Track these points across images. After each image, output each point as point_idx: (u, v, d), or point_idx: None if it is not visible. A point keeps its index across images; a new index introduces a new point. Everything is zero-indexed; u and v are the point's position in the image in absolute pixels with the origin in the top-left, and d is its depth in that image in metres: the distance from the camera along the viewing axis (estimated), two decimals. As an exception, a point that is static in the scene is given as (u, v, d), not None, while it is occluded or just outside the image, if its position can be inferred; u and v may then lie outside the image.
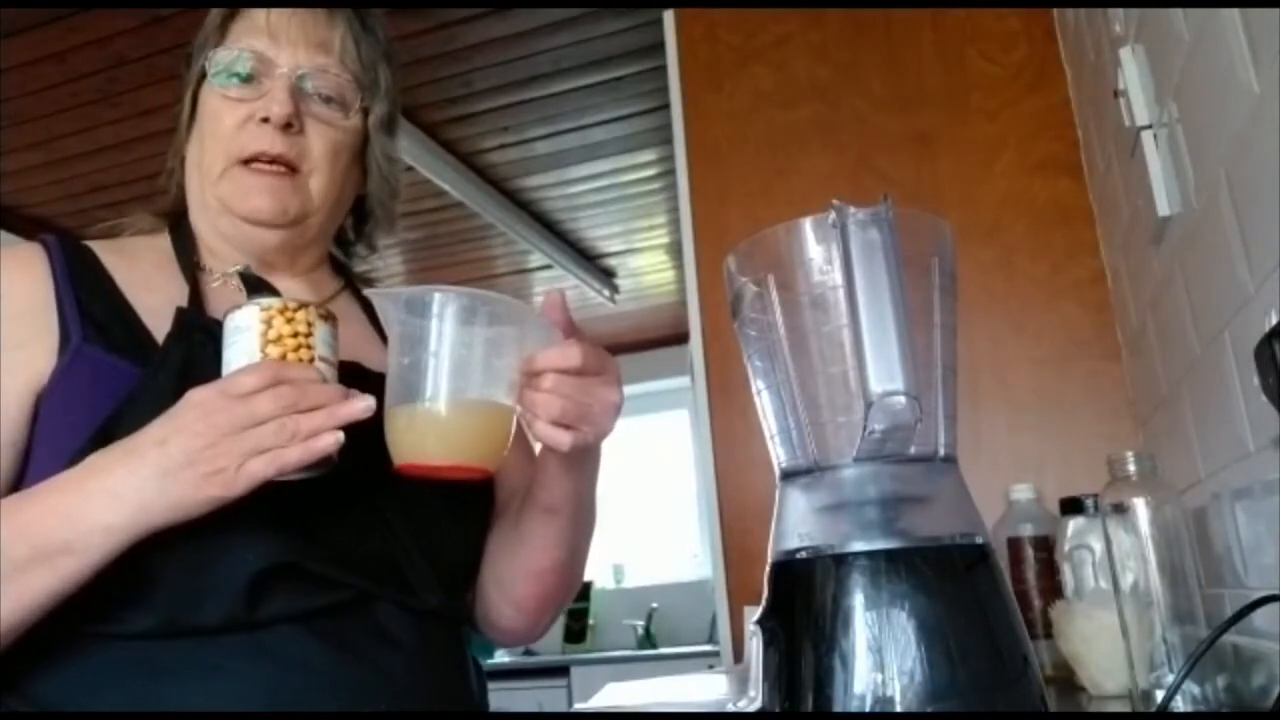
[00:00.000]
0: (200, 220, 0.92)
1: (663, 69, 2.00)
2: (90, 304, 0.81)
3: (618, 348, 5.10)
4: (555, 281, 4.28)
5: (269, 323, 0.72)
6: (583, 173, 3.35)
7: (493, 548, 0.93)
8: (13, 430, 0.77)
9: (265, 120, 0.85)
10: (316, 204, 0.89)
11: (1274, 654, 0.84)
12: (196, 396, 0.69)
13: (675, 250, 3.92)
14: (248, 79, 0.86)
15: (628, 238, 3.94)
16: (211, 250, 0.91)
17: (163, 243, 0.91)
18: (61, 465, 0.73)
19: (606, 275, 4.30)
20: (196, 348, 0.80)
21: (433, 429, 0.71)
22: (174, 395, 0.76)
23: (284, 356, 0.71)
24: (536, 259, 3.97)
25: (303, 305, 0.73)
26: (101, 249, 0.87)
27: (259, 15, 0.88)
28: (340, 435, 0.69)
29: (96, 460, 0.70)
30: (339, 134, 0.90)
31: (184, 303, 0.84)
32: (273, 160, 0.86)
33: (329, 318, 0.75)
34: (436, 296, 0.72)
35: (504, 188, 3.40)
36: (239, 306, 0.73)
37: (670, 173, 3.15)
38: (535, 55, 2.65)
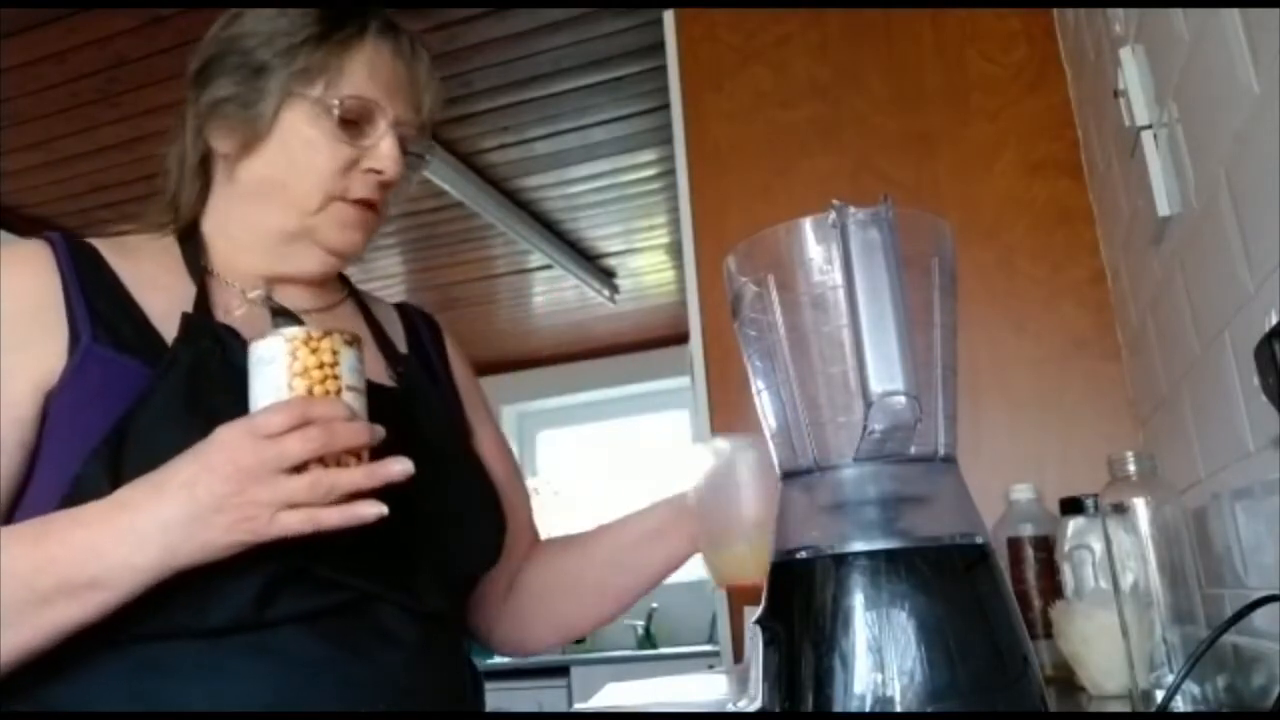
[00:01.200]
0: (238, 227, 0.91)
1: (663, 69, 2.00)
2: (98, 303, 0.81)
3: (618, 348, 5.11)
4: (555, 281, 4.28)
5: (294, 354, 0.72)
6: (583, 173, 3.35)
7: (561, 594, 1.03)
8: (22, 429, 0.77)
9: (373, 171, 0.88)
10: (372, 238, 0.95)
11: (1274, 654, 0.84)
12: (224, 436, 0.69)
13: (675, 250, 3.92)
14: (357, 122, 0.88)
15: (628, 238, 3.94)
16: (225, 257, 0.91)
17: (166, 242, 0.91)
18: (76, 467, 0.74)
19: (606, 275, 4.30)
20: (204, 352, 0.80)
21: (751, 557, 0.88)
22: (184, 398, 0.77)
23: (310, 390, 0.71)
24: (536, 259, 3.97)
25: (327, 333, 0.73)
26: (105, 247, 0.86)
27: (377, 61, 0.89)
28: (383, 508, 0.70)
29: (124, 496, 0.70)
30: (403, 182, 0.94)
31: (189, 304, 0.84)
32: (368, 204, 0.90)
33: (354, 342, 0.75)
34: (747, 455, 0.91)
35: (504, 188, 3.40)
36: (262, 337, 0.73)
37: (670, 173, 3.15)
38: (535, 55, 2.65)
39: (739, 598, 0.89)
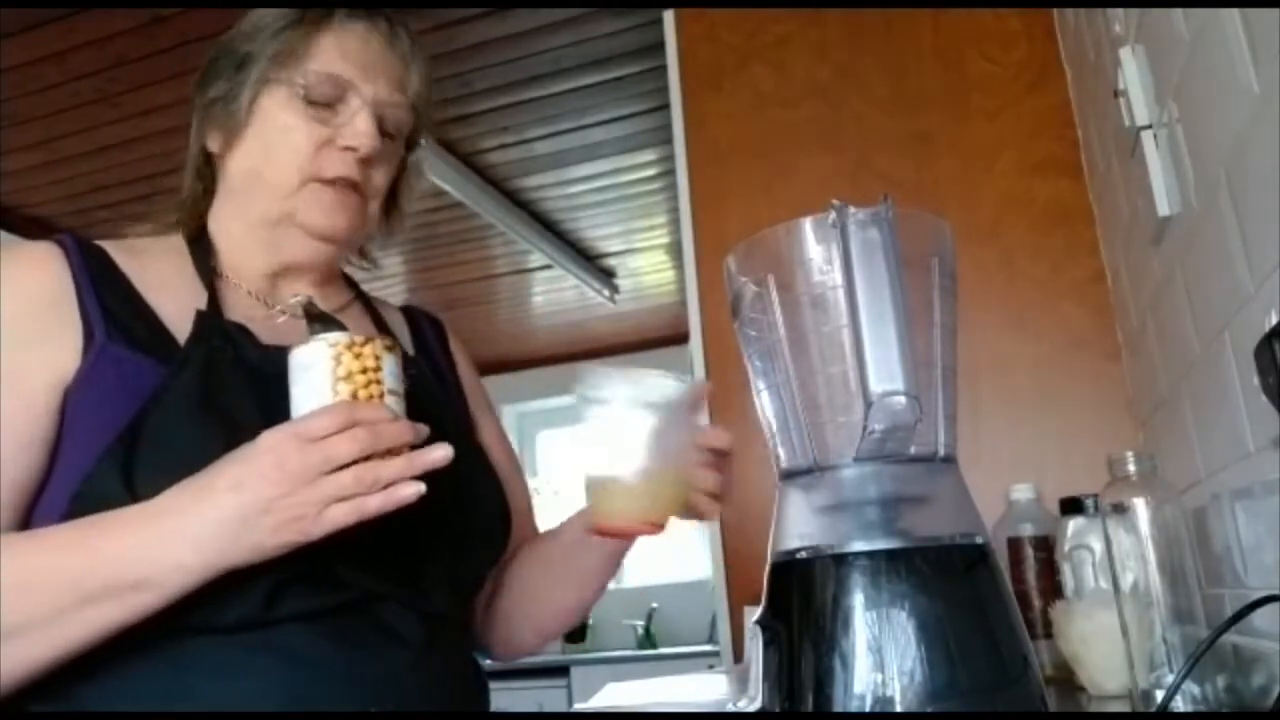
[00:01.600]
0: (234, 224, 0.91)
1: (663, 69, 2.00)
2: (110, 302, 0.82)
3: (618, 348, 5.11)
4: (555, 281, 4.28)
5: (338, 359, 0.72)
6: (583, 173, 3.35)
7: (528, 587, 0.99)
8: (43, 426, 0.77)
9: (349, 149, 0.87)
10: (366, 226, 0.93)
11: (1274, 654, 0.84)
12: (270, 440, 0.70)
13: (675, 250, 3.92)
14: (330, 103, 0.87)
15: (628, 238, 3.94)
16: (232, 255, 0.91)
17: (174, 243, 0.91)
18: (91, 463, 0.74)
19: (606, 275, 4.30)
20: (216, 351, 0.81)
21: (626, 496, 0.80)
22: (198, 396, 0.77)
23: (355, 394, 0.72)
24: (536, 259, 3.97)
25: (369, 339, 0.73)
26: (114, 250, 0.87)
27: (347, 40, 0.89)
28: (422, 487, 0.71)
29: (170, 501, 0.71)
30: (393, 164, 0.93)
31: (200, 305, 0.84)
32: (347, 183, 0.89)
33: (394, 347, 0.75)
34: (626, 390, 0.81)
35: (504, 188, 3.40)
36: (305, 343, 0.73)
37: (670, 173, 3.15)
38: (535, 55, 2.65)
39: (614, 540, 0.85)
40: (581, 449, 0.82)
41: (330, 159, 0.87)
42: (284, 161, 0.87)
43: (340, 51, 0.88)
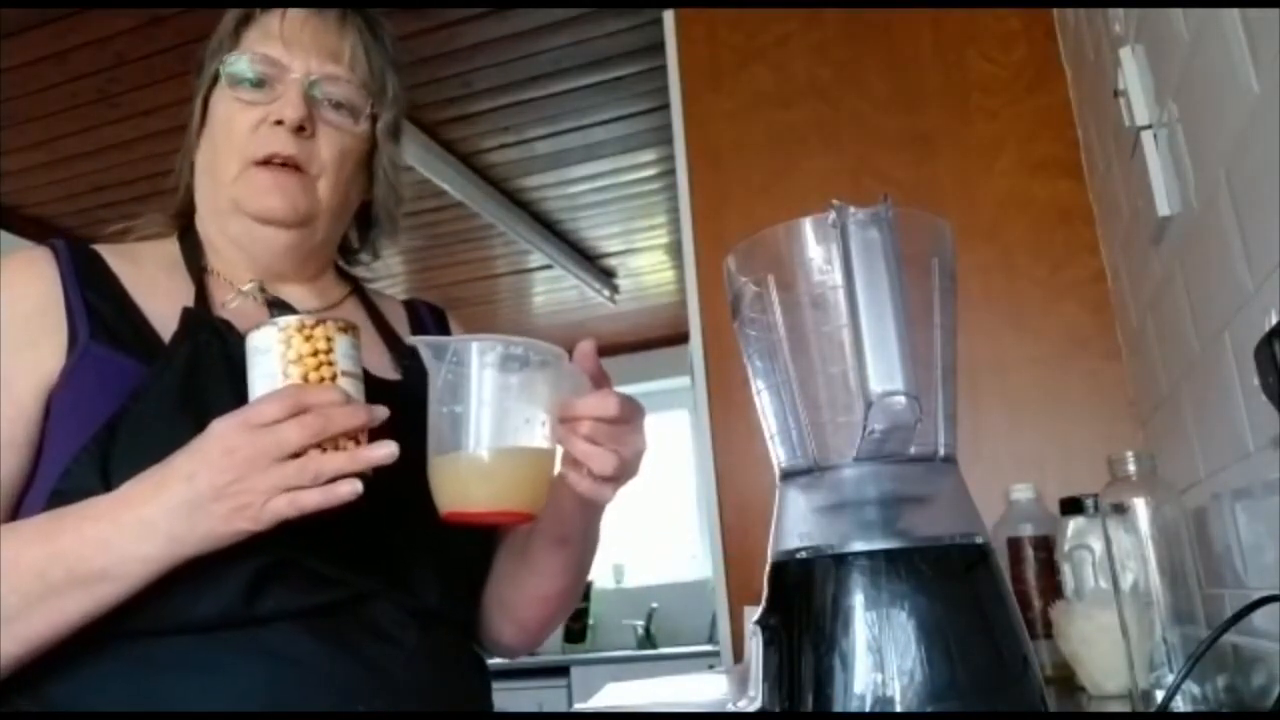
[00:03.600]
0: (210, 225, 0.92)
1: (663, 69, 2.00)
2: (97, 304, 0.82)
3: (618, 348, 5.10)
4: (555, 281, 4.28)
5: (288, 342, 0.71)
6: (583, 173, 3.35)
7: (499, 573, 0.95)
8: (28, 428, 0.78)
9: (278, 123, 0.86)
10: (323, 206, 0.90)
11: (1274, 654, 0.84)
12: (219, 428, 0.69)
13: (675, 250, 3.92)
14: (260, 83, 0.87)
15: (628, 238, 3.94)
16: (220, 256, 0.92)
17: (170, 248, 0.92)
18: (69, 461, 0.75)
19: (606, 275, 4.30)
20: (202, 346, 0.81)
21: (477, 477, 0.71)
22: (180, 393, 0.77)
23: (305, 377, 0.71)
24: (536, 259, 3.97)
25: (321, 321, 0.73)
26: (108, 253, 0.88)
27: (272, 22, 0.89)
28: (358, 486, 0.69)
29: (130, 491, 0.71)
30: (347, 140, 0.91)
31: (189, 302, 0.85)
32: (284, 161, 0.87)
33: (349, 329, 0.74)
34: (475, 345, 0.72)
35: (504, 188, 3.40)
36: (258, 327, 0.73)
37: (670, 173, 3.15)
38: (535, 55, 2.65)
39: (465, 524, 0.73)
40: (427, 418, 0.72)
41: (262, 137, 0.87)
42: (225, 150, 0.88)
43: (264, 33, 0.89)
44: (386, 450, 0.71)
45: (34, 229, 3.30)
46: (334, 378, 0.72)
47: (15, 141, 2.86)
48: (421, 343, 0.75)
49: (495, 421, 0.71)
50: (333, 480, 0.69)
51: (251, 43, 0.89)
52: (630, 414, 0.75)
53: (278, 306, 0.84)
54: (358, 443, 0.71)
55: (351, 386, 0.73)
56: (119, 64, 2.53)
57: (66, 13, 2.31)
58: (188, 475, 0.69)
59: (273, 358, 0.71)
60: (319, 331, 0.72)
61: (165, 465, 0.71)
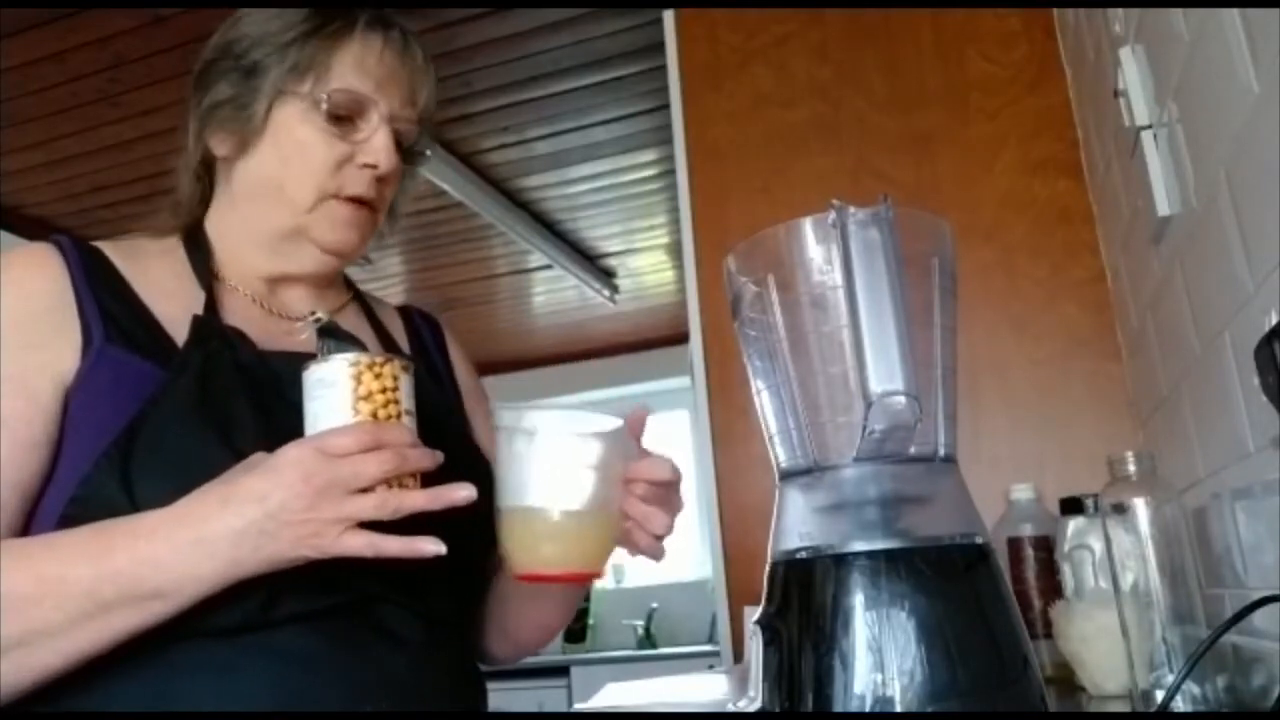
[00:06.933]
0: (236, 229, 0.91)
1: (663, 69, 2.00)
2: (109, 304, 0.82)
3: (618, 348, 5.11)
4: (555, 281, 4.28)
5: (358, 379, 0.72)
6: (583, 173, 3.35)
7: (501, 596, 0.97)
8: (47, 427, 0.77)
9: (368, 166, 0.87)
10: (371, 239, 0.93)
11: (1274, 654, 0.84)
12: (295, 454, 0.69)
13: (675, 250, 3.92)
14: (349, 118, 0.87)
15: (628, 238, 3.93)
16: (231, 260, 0.91)
17: (172, 244, 0.91)
18: (88, 466, 0.74)
19: (606, 275, 4.30)
20: (213, 355, 0.81)
21: (555, 541, 0.74)
22: (195, 400, 0.77)
23: (374, 414, 0.72)
24: (536, 259, 3.97)
25: (389, 359, 0.74)
26: (112, 251, 0.87)
27: (368, 57, 0.88)
28: (444, 548, 0.71)
29: (187, 508, 0.71)
30: (400, 178, 0.93)
31: (198, 309, 0.84)
32: (364, 202, 0.89)
33: (409, 367, 0.76)
34: (552, 416, 0.76)
35: (504, 188, 3.40)
36: (324, 360, 0.73)
37: (670, 173, 3.15)
38: (535, 55, 2.65)
39: (537, 583, 0.79)
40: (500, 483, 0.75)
41: (350, 177, 0.87)
42: (301, 177, 0.86)
43: (358, 66, 0.87)
44: (465, 493, 0.72)
45: (34, 229, 3.30)
46: (399, 416, 0.73)
47: (15, 141, 2.86)
48: (501, 408, 0.78)
49: (571, 487, 0.75)
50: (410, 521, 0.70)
51: (342, 70, 0.87)
52: (679, 476, 0.79)
53: (329, 335, 0.82)
54: (415, 480, 0.73)
55: (411, 425, 0.74)
56: (119, 64, 2.53)
57: (66, 13, 2.31)
58: (260, 496, 0.69)
59: (341, 391, 0.72)
60: (388, 370, 0.73)
61: (226, 482, 0.71)
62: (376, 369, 0.73)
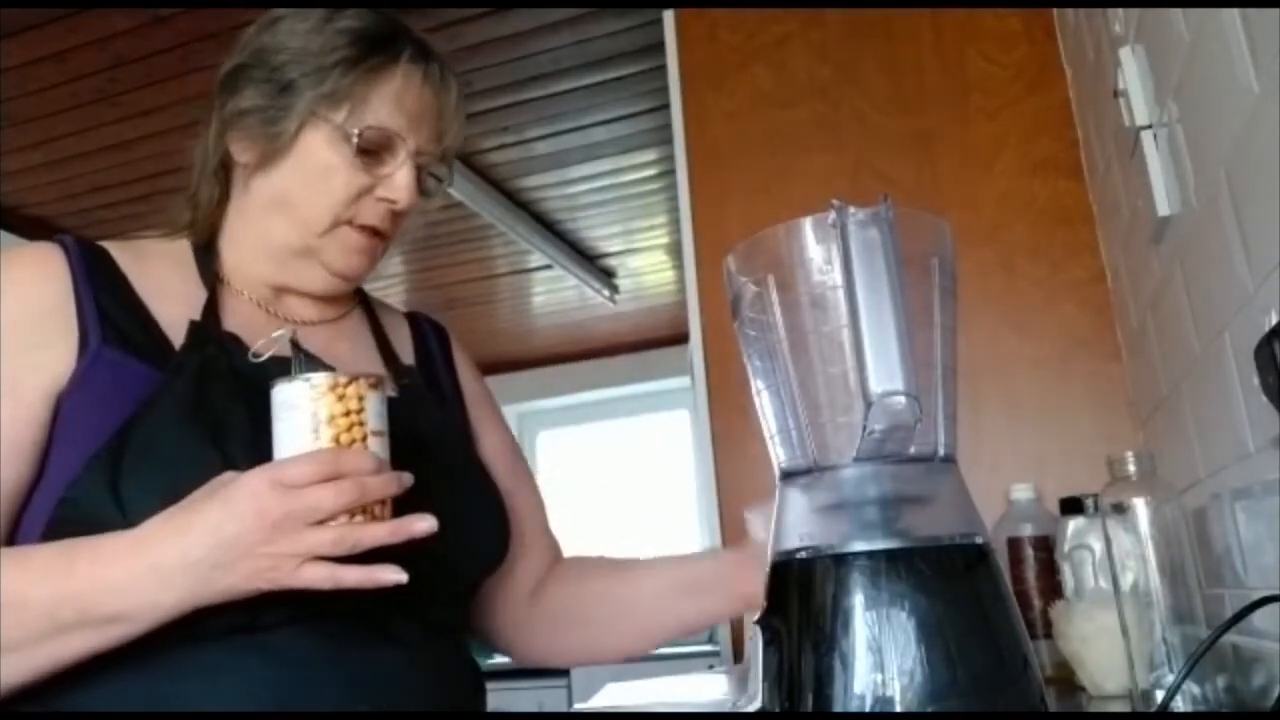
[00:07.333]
0: (248, 237, 0.91)
1: (663, 69, 2.00)
2: (108, 306, 0.81)
3: (618, 348, 5.11)
4: (555, 281, 4.27)
5: (320, 400, 0.71)
6: (583, 173, 3.35)
7: (598, 618, 1.01)
8: (35, 432, 0.77)
9: (387, 201, 0.87)
10: (380, 260, 0.94)
11: (1274, 654, 0.84)
12: (251, 486, 0.69)
13: (675, 250, 3.91)
14: (375, 151, 0.87)
15: (628, 238, 3.93)
16: (239, 265, 0.91)
17: (180, 246, 0.91)
18: (79, 468, 0.74)
19: (606, 275, 4.29)
20: (210, 360, 0.80)
21: None
22: (189, 404, 0.77)
23: (338, 438, 0.71)
24: (536, 259, 3.97)
25: (353, 379, 0.72)
26: (116, 251, 0.86)
27: (407, 94, 0.87)
28: (404, 576, 0.70)
29: (148, 533, 0.70)
30: (415, 210, 0.93)
31: (199, 311, 0.84)
32: (377, 231, 0.89)
33: (378, 384, 0.74)
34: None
35: (504, 188, 3.40)
36: (288, 380, 0.72)
37: (670, 173, 3.15)
38: (535, 55, 2.65)
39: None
40: None
41: (367, 208, 0.87)
42: (319, 201, 0.86)
43: (397, 103, 0.87)
44: (425, 525, 0.71)
45: (34, 229, 3.30)
46: (364, 439, 0.72)
47: (15, 141, 2.85)
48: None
49: None
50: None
51: (379, 105, 0.86)
52: None
53: (304, 354, 0.80)
54: (383, 504, 0.72)
55: (379, 446, 0.73)
56: (119, 64, 2.52)
57: (66, 13, 2.31)
58: (214, 527, 0.68)
59: (303, 414, 0.71)
60: (351, 390, 0.72)
61: (187, 508, 0.70)
62: (340, 390, 0.71)
